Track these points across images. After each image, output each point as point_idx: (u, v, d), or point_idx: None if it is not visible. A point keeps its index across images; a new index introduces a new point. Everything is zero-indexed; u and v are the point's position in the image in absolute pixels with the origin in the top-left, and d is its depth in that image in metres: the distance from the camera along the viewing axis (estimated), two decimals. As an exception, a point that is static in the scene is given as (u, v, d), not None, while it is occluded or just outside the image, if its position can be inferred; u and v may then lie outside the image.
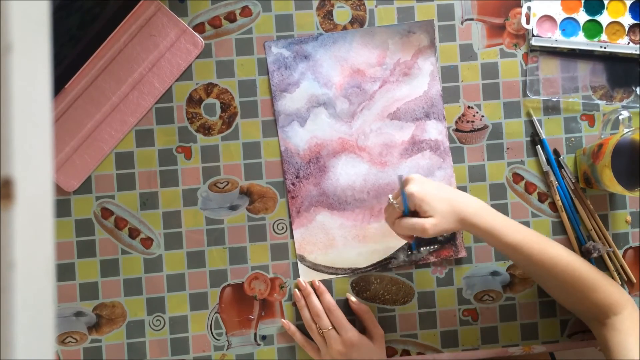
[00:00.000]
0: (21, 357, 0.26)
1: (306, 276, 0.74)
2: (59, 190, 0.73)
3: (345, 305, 0.74)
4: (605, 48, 0.76)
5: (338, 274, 0.75)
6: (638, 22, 0.76)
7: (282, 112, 0.75)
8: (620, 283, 0.76)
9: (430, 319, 0.76)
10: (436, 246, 0.75)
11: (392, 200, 0.66)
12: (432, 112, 0.76)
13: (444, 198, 0.64)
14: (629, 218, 0.77)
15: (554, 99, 0.77)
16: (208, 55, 0.75)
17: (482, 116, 0.76)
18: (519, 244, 0.64)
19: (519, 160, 0.77)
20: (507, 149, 0.77)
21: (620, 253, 0.76)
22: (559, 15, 0.76)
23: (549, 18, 0.76)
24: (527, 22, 0.76)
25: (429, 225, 0.62)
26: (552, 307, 0.77)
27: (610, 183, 0.68)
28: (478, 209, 0.64)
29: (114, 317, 0.74)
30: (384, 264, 0.75)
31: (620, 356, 0.63)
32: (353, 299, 0.73)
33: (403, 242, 0.75)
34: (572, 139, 0.77)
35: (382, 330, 0.72)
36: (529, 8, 0.76)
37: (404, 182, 0.65)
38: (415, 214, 0.65)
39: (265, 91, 0.75)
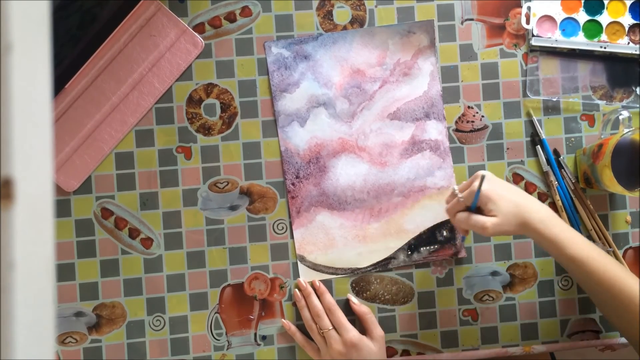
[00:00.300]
0: (21, 357, 0.26)
1: (306, 276, 0.74)
2: (59, 190, 0.73)
3: (345, 306, 0.74)
4: (605, 48, 0.76)
5: (338, 274, 0.75)
6: (638, 22, 0.76)
7: (282, 112, 0.75)
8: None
9: (430, 319, 0.76)
10: (436, 246, 0.75)
11: (457, 192, 0.65)
12: (432, 112, 0.76)
13: (512, 200, 0.63)
14: (629, 218, 0.77)
15: (554, 99, 0.77)
16: (208, 56, 0.75)
17: (482, 116, 0.76)
18: (582, 258, 0.62)
19: (519, 160, 0.77)
20: (507, 149, 0.77)
21: (620, 253, 0.76)
22: (559, 15, 0.76)
23: (549, 18, 0.76)
24: (527, 22, 0.76)
25: (491, 224, 0.62)
26: (552, 307, 0.77)
27: (610, 183, 0.68)
28: (545, 217, 0.63)
29: (114, 317, 0.74)
30: (384, 264, 0.75)
31: None
32: (354, 299, 0.73)
33: (403, 242, 0.75)
34: (572, 139, 0.77)
35: (382, 331, 0.72)
36: (529, 8, 0.76)
37: (473, 177, 0.65)
38: (478, 210, 0.64)
39: (265, 91, 0.75)
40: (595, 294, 0.65)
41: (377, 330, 0.72)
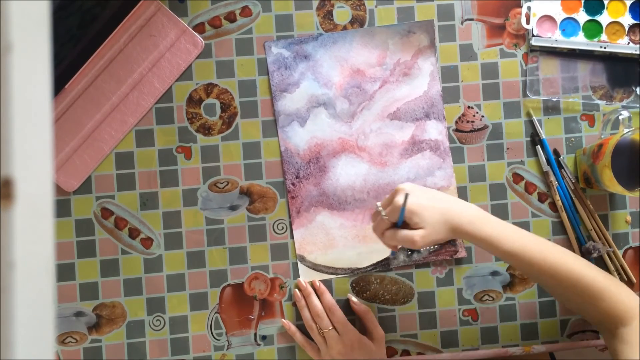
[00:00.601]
0: (21, 357, 0.26)
1: (306, 276, 0.74)
2: (59, 190, 0.73)
3: (346, 306, 0.74)
4: (605, 48, 0.76)
5: (338, 274, 0.75)
6: (638, 22, 0.76)
7: (282, 112, 0.75)
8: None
9: (430, 319, 0.76)
10: (436, 246, 0.75)
11: (381, 210, 0.64)
12: (432, 112, 0.76)
13: (437, 208, 0.62)
14: (629, 218, 0.77)
15: (554, 99, 0.77)
16: (208, 55, 0.75)
17: (482, 116, 0.76)
18: (518, 251, 0.62)
19: (519, 160, 0.77)
20: (507, 149, 0.77)
21: (620, 253, 0.76)
22: (559, 15, 0.76)
23: (549, 18, 0.76)
24: (527, 22, 0.76)
25: (419, 237, 0.61)
26: (552, 307, 0.77)
27: (610, 183, 0.68)
28: (473, 218, 0.62)
29: (114, 317, 0.74)
30: (384, 264, 0.75)
31: None
32: (354, 299, 0.73)
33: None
34: (572, 139, 0.77)
35: (382, 331, 0.72)
36: (529, 8, 0.76)
37: (393, 193, 0.63)
38: (405, 224, 0.63)
39: (265, 91, 0.75)
40: (542, 283, 0.65)
41: (378, 330, 0.72)
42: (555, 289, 0.65)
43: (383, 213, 0.63)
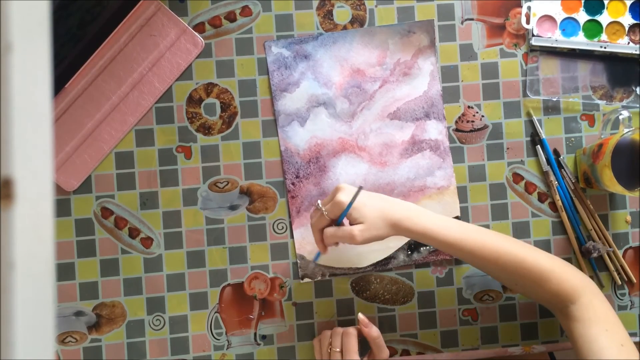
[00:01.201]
0: (21, 357, 0.26)
1: (306, 276, 0.75)
2: (59, 190, 0.73)
3: (349, 305, 0.74)
4: (605, 48, 0.76)
5: (338, 274, 0.75)
6: (638, 22, 0.76)
7: (282, 112, 0.75)
8: (620, 283, 0.76)
9: (430, 319, 0.76)
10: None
11: (321, 207, 0.64)
12: (432, 112, 0.76)
13: (375, 205, 0.63)
14: (629, 218, 0.77)
15: (554, 99, 0.77)
16: (208, 55, 0.75)
17: (482, 116, 0.76)
18: (456, 241, 0.62)
19: (519, 160, 0.77)
20: (507, 148, 0.77)
21: (620, 253, 0.77)
22: (559, 15, 0.76)
23: (549, 18, 0.76)
24: (527, 22, 0.76)
25: (358, 231, 0.62)
26: (552, 307, 0.77)
27: (610, 183, 0.68)
28: (409, 212, 0.63)
29: (114, 317, 0.74)
30: (384, 264, 0.75)
31: (585, 349, 0.59)
32: (363, 318, 0.69)
33: (403, 242, 0.75)
34: (572, 139, 0.77)
35: (387, 354, 0.69)
36: (529, 8, 0.76)
37: (334, 191, 0.64)
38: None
39: (265, 91, 0.75)
40: (487, 270, 0.66)
41: (382, 355, 0.68)
42: (499, 274, 0.65)
43: (324, 210, 0.64)
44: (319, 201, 0.65)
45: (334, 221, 0.65)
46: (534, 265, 0.63)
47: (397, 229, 0.63)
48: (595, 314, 0.61)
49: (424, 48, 0.76)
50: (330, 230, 0.64)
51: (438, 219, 0.64)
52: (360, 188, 0.63)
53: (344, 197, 0.62)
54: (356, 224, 0.62)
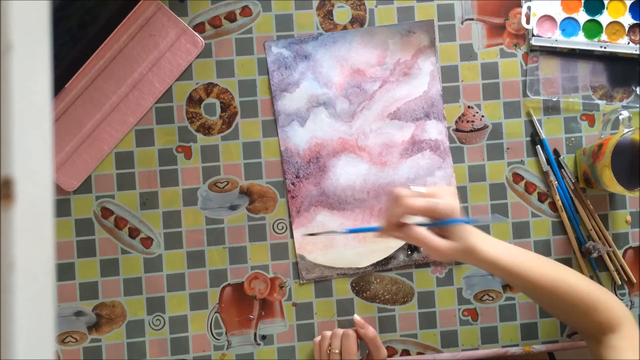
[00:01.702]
0: (21, 357, 0.26)
1: (306, 276, 0.75)
2: (59, 190, 0.73)
3: (349, 305, 0.74)
4: (605, 48, 0.76)
5: (338, 274, 0.75)
6: (638, 22, 0.76)
7: (282, 112, 0.75)
8: (620, 283, 0.76)
9: (430, 319, 0.76)
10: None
11: (425, 197, 0.58)
12: (432, 112, 0.76)
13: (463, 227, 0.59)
14: (629, 218, 0.77)
15: (554, 99, 0.77)
16: (208, 55, 0.75)
17: (482, 116, 0.76)
18: (520, 272, 0.60)
19: (519, 160, 0.77)
20: (507, 149, 0.77)
21: (620, 253, 0.76)
22: (559, 15, 0.76)
23: (549, 18, 0.76)
24: (527, 22, 0.76)
25: (448, 249, 0.57)
26: (552, 307, 0.77)
27: (610, 183, 0.68)
28: (485, 238, 0.60)
29: (113, 317, 0.74)
30: (384, 264, 0.75)
31: None
32: (358, 319, 0.70)
33: (403, 241, 0.75)
34: (572, 139, 0.77)
35: (385, 354, 0.70)
36: (529, 8, 0.76)
37: (439, 190, 0.59)
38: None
39: (265, 91, 0.75)
40: (537, 297, 0.65)
41: (380, 355, 0.69)
42: (551, 302, 0.64)
43: (426, 201, 0.57)
44: (421, 188, 0.59)
45: (431, 219, 0.59)
46: (586, 296, 0.62)
47: (468, 255, 0.59)
48: (632, 344, 0.61)
49: (424, 48, 0.76)
50: (421, 232, 0.58)
51: (501, 246, 0.61)
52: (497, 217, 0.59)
53: (455, 203, 0.58)
54: (443, 235, 0.58)
